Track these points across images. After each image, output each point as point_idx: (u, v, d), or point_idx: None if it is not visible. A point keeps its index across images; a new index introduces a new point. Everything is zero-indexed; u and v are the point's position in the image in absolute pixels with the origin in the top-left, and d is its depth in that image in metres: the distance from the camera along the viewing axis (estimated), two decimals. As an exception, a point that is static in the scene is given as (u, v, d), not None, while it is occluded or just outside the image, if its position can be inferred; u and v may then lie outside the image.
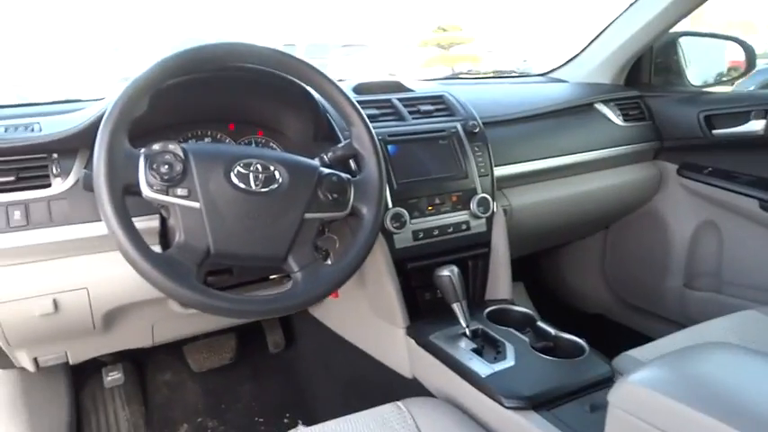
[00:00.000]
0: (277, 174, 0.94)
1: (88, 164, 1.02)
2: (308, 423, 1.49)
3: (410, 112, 1.33)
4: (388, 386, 1.27)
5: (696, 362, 0.77)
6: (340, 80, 1.08)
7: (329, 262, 1.07)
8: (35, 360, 1.18)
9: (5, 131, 1.02)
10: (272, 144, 1.23)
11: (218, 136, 1.19)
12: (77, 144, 1.03)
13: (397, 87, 1.43)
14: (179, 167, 0.87)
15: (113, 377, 1.52)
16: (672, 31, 1.69)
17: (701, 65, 1.85)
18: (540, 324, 1.16)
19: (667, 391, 0.67)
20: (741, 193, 1.54)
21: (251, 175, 0.91)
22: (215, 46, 0.93)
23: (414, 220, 1.22)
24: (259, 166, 0.93)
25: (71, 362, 1.24)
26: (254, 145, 1.22)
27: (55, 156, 1.02)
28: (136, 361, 1.69)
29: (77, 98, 1.27)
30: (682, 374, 0.73)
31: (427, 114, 1.34)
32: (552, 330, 1.13)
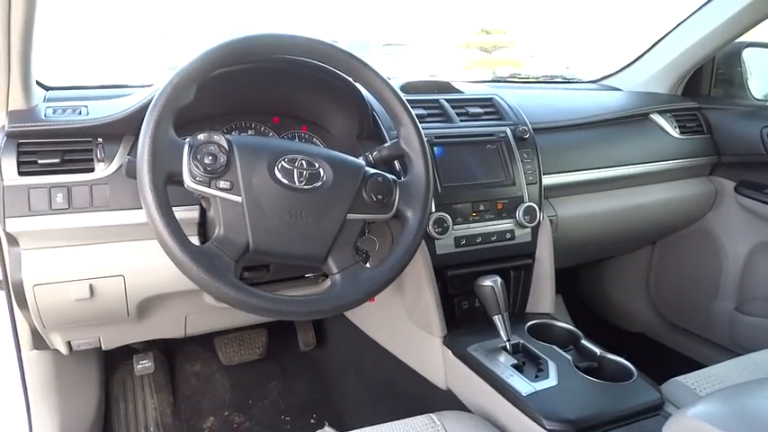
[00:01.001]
0: (322, 171, 0.91)
1: (132, 150, 1.01)
2: (335, 426, 1.47)
3: (458, 114, 1.29)
4: (420, 396, 1.23)
5: (757, 398, 0.72)
6: (388, 78, 1.04)
7: (368, 265, 1.04)
8: (68, 344, 1.17)
9: (53, 113, 1.02)
10: (315, 140, 1.20)
11: (262, 129, 1.17)
12: (122, 129, 1.02)
13: (446, 88, 1.39)
14: (223, 159, 0.85)
15: (144, 365, 1.52)
16: (736, 41, 1.61)
17: (766, 78, 1.76)
18: (585, 342, 1.11)
19: (727, 428, 0.63)
20: None
21: (295, 171, 0.88)
22: (264, 36, 0.91)
23: (457, 226, 1.18)
24: (304, 163, 0.90)
25: (104, 347, 1.23)
26: (297, 140, 1.19)
27: (100, 140, 1.01)
28: (166, 350, 1.68)
29: (126, 83, 1.27)
30: (742, 411, 0.69)
31: (476, 117, 1.30)
32: (597, 350, 1.08)
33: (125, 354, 1.56)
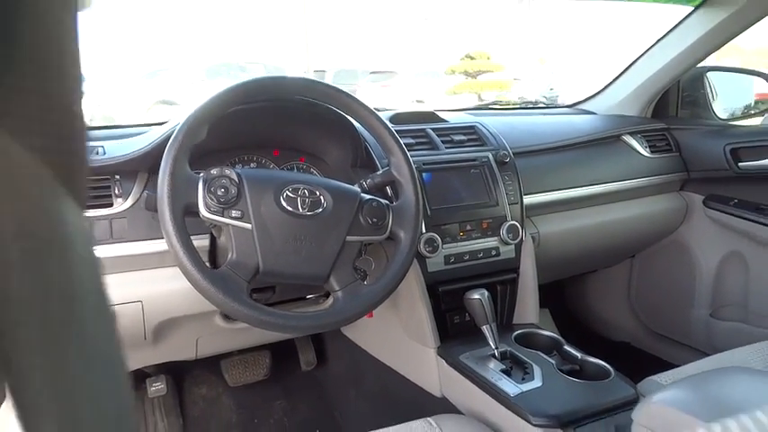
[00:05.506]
0: (322, 199, 1.01)
1: (148, 185, 1.11)
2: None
3: (444, 142, 1.39)
4: (417, 404, 1.31)
5: (716, 384, 0.81)
6: (377, 109, 1.15)
7: (366, 282, 1.14)
8: None
9: None
10: (312, 170, 1.30)
11: (263, 161, 1.27)
12: (137, 167, 1.11)
13: (431, 117, 1.50)
14: (234, 191, 0.95)
15: (157, 387, 1.59)
16: (699, 65, 1.74)
17: (729, 98, 1.89)
18: (567, 348, 1.20)
19: (689, 410, 0.71)
20: (767, 225, 1.57)
21: (299, 200, 0.99)
22: (270, 78, 1.02)
23: (446, 245, 1.27)
24: (306, 191, 1.00)
25: None
26: (295, 170, 1.29)
27: (117, 177, 1.10)
28: (175, 374, 1.76)
29: (139, 123, 1.37)
30: (702, 395, 0.77)
31: (460, 144, 1.41)
32: (578, 354, 1.17)
33: (135, 380, 1.63)
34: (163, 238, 0.92)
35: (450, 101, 13.42)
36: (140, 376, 1.62)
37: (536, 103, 2.12)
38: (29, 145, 0.17)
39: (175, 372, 1.75)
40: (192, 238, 1.04)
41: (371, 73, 12.66)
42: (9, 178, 0.16)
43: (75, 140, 0.20)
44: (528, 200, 1.41)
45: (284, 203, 0.98)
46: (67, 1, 0.18)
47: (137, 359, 1.33)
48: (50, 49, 0.18)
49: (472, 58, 14.26)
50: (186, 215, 0.93)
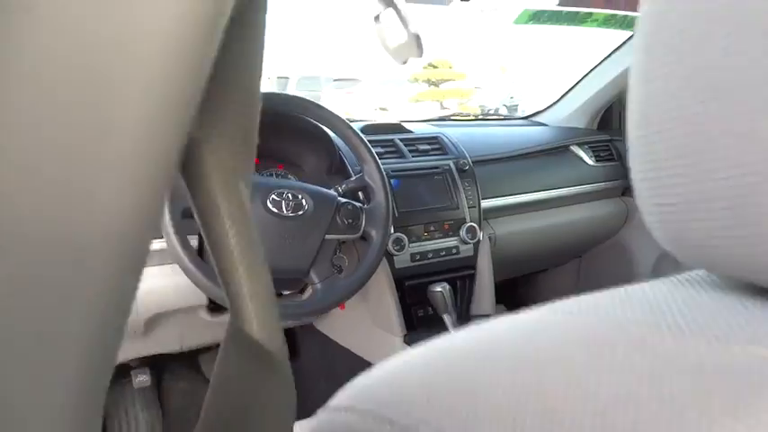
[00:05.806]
0: (304, 202, 1.14)
1: None
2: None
3: (410, 151, 1.53)
4: None
5: None
6: (350, 120, 1.29)
7: (341, 276, 1.26)
8: None
9: None
10: (290, 176, 1.43)
11: None
12: None
13: (399, 128, 1.64)
14: None
15: (141, 379, 1.68)
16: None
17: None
18: None
19: None
20: None
21: (283, 203, 1.11)
22: (268, 95, 1.14)
23: (412, 244, 1.42)
24: (290, 195, 1.13)
25: None
26: (274, 176, 1.42)
27: None
28: (156, 368, 1.85)
29: None
30: None
31: (424, 153, 1.55)
32: None
33: (118, 373, 1.72)
34: (160, 237, 1.03)
35: (413, 108, 13.64)
36: (125, 369, 1.70)
37: (497, 111, 2.27)
38: (230, 152, 0.27)
39: (157, 366, 1.84)
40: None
41: (335, 80, 12.78)
42: (225, 183, 0.28)
43: (253, 139, 0.27)
44: (485, 204, 1.56)
45: (270, 206, 1.10)
46: (258, 23, 0.24)
47: (126, 351, 1.42)
48: (243, 71, 0.24)
49: (435, 67, 14.53)
50: (185, 218, 1.04)
